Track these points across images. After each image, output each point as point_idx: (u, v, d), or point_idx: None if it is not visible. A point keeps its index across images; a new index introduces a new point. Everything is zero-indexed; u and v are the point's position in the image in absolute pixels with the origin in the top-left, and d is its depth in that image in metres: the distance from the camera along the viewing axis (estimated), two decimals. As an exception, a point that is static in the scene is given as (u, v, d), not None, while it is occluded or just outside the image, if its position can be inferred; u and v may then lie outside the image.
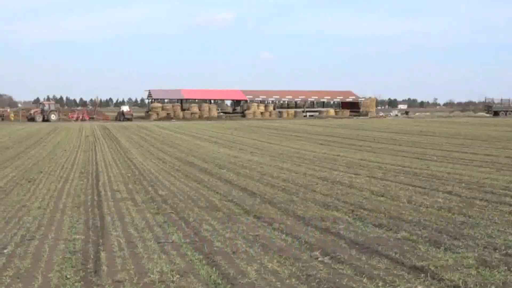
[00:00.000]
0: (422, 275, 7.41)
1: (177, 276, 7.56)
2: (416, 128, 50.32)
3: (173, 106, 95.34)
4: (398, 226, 10.28)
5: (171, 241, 9.56)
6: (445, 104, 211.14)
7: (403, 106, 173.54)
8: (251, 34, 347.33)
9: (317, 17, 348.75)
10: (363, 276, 7.40)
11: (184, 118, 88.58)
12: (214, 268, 7.88)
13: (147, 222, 11.20)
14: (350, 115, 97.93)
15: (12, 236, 10.02)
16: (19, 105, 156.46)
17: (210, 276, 7.54)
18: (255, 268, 7.85)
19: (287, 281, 7.32)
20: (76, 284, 7.35)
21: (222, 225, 10.78)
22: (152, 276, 7.56)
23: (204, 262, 8.25)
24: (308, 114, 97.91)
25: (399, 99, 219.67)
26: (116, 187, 15.89)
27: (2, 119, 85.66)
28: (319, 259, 8.27)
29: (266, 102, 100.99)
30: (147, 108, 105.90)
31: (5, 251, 9.00)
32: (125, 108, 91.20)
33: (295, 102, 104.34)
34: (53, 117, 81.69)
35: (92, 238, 9.93)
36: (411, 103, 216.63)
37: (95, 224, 11.05)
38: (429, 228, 10.07)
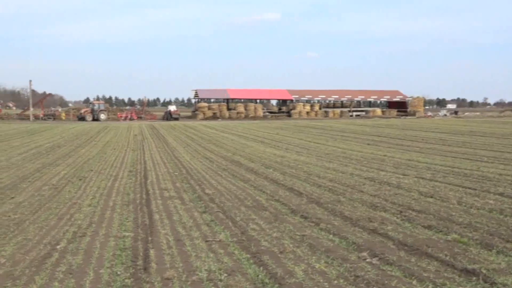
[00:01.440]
0: (474, 278, 7.26)
1: (225, 274, 7.61)
2: (465, 128, 49.28)
3: (219, 105, 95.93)
4: (448, 227, 10.09)
5: (218, 240, 9.63)
6: (495, 104, 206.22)
7: (451, 106, 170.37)
8: (297, 33, 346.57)
9: (363, 15, 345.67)
10: (413, 278, 7.30)
11: (230, 118, 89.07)
12: (261, 268, 7.90)
13: (195, 220, 11.30)
14: (397, 115, 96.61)
15: (65, 233, 10.26)
16: (70, 104, 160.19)
17: (258, 276, 7.56)
18: (303, 268, 7.83)
19: (335, 281, 7.28)
20: (126, 280, 7.48)
21: (269, 224, 10.79)
22: (200, 274, 7.64)
23: (251, 261, 8.28)
24: (354, 114, 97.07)
25: (448, 98, 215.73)
26: (164, 186, 16.09)
27: (54, 119, 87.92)
28: (367, 260, 8.19)
29: (312, 101, 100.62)
30: (193, 107, 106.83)
31: (58, 246, 9.23)
32: (172, 108, 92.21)
33: (341, 101, 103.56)
34: (102, 116, 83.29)
35: (141, 235, 10.08)
36: (460, 102, 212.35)
37: (144, 222, 11.22)
38: (480, 230, 9.85)
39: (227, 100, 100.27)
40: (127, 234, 10.17)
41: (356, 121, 73.93)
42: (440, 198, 13.16)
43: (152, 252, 8.81)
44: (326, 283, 7.20)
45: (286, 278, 7.38)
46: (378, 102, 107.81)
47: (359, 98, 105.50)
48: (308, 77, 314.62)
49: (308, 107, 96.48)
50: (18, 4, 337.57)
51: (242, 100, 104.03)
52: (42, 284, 7.30)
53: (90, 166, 21.36)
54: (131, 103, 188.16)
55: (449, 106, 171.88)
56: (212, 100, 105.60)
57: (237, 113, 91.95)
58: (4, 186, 16.01)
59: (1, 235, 10.10)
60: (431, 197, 13.36)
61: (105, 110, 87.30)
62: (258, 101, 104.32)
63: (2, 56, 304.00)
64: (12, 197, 14.16)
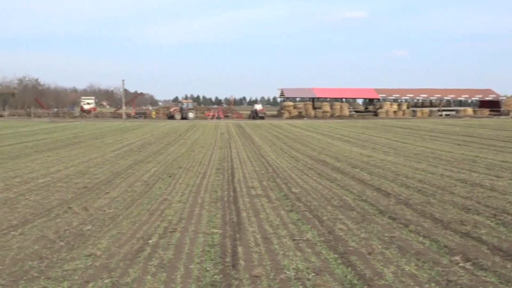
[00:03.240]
0: None
1: (313, 274, 7.60)
2: None
3: (304, 104, 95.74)
4: (547, 233, 9.60)
5: (305, 238, 9.63)
6: None
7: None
8: (383, 31, 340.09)
9: (453, 12, 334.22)
10: (509, 285, 7.01)
11: (315, 117, 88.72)
12: (349, 268, 7.83)
13: (282, 219, 11.35)
14: (489, 114, 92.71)
15: (156, 228, 10.59)
16: (160, 103, 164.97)
17: (346, 276, 7.50)
18: (392, 270, 7.69)
19: (426, 285, 7.11)
20: (215, 276, 7.62)
21: (357, 224, 10.68)
22: (288, 272, 7.66)
23: (339, 261, 8.22)
24: (443, 113, 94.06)
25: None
26: (251, 184, 16.26)
27: (145, 117, 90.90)
28: (460, 264, 7.93)
29: (400, 100, 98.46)
30: (279, 106, 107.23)
31: (150, 241, 9.54)
32: (258, 107, 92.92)
33: (430, 101, 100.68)
34: (190, 115, 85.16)
35: (229, 232, 10.24)
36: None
37: (232, 219, 11.38)
38: None
39: (313, 99, 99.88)
40: (215, 230, 10.36)
41: (445, 121, 71.69)
42: (538, 201, 12.54)
43: (240, 249, 8.93)
44: (417, 287, 7.04)
45: (375, 280, 7.28)
46: (469, 101, 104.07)
47: (449, 97, 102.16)
48: (395, 76, 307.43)
49: (395, 106, 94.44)
50: (112, 7, 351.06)
51: (328, 99, 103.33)
52: (136, 277, 7.56)
53: (179, 164, 21.90)
54: (218, 102, 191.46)
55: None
56: (297, 99, 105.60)
57: (323, 112, 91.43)
58: (99, 182, 16.71)
59: (97, 229, 10.55)
60: (528, 200, 12.76)
61: (193, 109, 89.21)
62: (344, 100, 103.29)
63: (97, 56, 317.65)
64: (107, 192, 14.76)
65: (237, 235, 9.91)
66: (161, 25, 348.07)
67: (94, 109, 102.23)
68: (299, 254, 8.62)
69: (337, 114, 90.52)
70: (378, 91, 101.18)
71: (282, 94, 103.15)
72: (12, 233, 10.20)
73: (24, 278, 7.60)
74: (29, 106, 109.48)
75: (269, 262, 8.18)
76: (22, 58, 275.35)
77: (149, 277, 7.57)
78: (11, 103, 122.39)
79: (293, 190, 15.00)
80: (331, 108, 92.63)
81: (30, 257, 8.63)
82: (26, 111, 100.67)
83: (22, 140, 36.29)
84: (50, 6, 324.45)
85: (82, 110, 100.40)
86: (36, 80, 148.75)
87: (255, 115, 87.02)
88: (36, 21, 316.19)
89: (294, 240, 9.54)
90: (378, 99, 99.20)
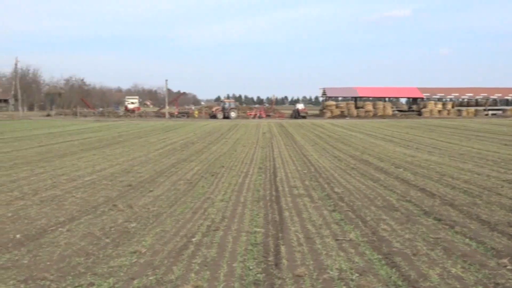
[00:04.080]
0: None
1: (356, 274, 7.54)
2: None
3: (347, 104, 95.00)
4: None
5: (348, 239, 9.55)
6: None
7: None
8: (428, 29, 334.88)
9: (496, 10, 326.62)
10: (560, 289, 6.81)
11: (358, 116, 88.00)
12: (393, 269, 7.74)
13: (324, 219, 11.29)
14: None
15: (199, 226, 10.67)
16: (202, 103, 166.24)
17: (390, 277, 7.42)
18: (438, 272, 7.57)
19: (473, 288, 6.97)
20: (258, 275, 7.63)
21: (401, 225, 10.54)
22: (331, 273, 7.62)
23: (383, 262, 8.13)
24: (490, 112, 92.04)
25: None
26: (293, 183, 16.22)
27: (188, 116, 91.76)
28: (508, 267, 7.75)
29: (444, 100, 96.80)
30: (321, 106, 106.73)
31: (193, 239, 9.62)
32: (300, 106, 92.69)
33: (476, 100, 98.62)
34: (232, 114, 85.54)
35: (271, 232, 10.23)
36: None
37: (274, 219, 11.38)
38: None
39: (355, 99, 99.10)
40: (258, 229, 10.37)
41: (491, 120, 70.13)
42: None
43: (282, 248, 8.92)
44: (463, 289, 6.91)
45: (420, 282, 7.18)
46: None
47: (495, 96, 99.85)
48: (440, 75, 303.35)
49: (440, 106, 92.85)
50: (156, 9, 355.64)
51: (371, 99, 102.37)
52: (180, 275, 7.63)
53: (222, 163, 22.02)
54: (260, 101, 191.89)
55: None
56: (339, 98, 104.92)
57: (365, 111, 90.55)
58: (144, 180, 16.94)
59: (142, 226, 10.70)
60: None
61: (235, 108, 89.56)
62: (387, 99, 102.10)
63: (141, 57, 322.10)
64: (151, 191, 14.95)
65: (280, 234, 9.90)
66: (204, 26, 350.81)
67: (138, 108, 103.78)
68: (342, 254, 8.57)
69: (380, 114, 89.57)
70: (422, 90, 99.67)
71: (324, 94, 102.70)
72: (60, 229, 10.44)
73: (72, 273, 7.76)
74: (75, 105, 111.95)
75: (312, 262, 8.15)
76: (69, 59, 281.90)
77: (192, 274, 7.64)
78: (58, 103, 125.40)
79: (336, 190, 14.91)
80: (374, 108, 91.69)
81: (77, 253, 8.82)
82: (72, 111, 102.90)
83: (68, 138, 37.10)
84: (96, 8, 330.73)
85: (126, 109, 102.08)
86: (82, 80, 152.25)
87: (297, 115, 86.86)
88: (82, 23, 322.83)
89: (337, 240, 9.48)
90: (422, 98, 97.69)
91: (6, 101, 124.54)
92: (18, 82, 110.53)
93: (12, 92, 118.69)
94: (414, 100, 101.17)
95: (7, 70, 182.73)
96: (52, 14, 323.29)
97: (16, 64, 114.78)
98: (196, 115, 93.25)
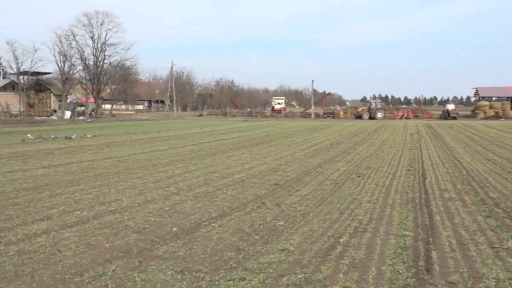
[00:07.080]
0: None
1: (515, 285, 7.09)
2: None
3: (502, 104, 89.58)
4: None
5: (506, 247, 9.00)
6: None
7: None
8: None
9: None
10: None
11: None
12: (557, 282, 7.17)
13: (478, 224, 10.74)
14: None
15: (346, 227, 10.62)
16: (347, 103, 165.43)
17: (554, 290, 6.88)
18: None
19: None
20: (408, 280, 7.43)
21: None
22: (487, 282, 7.23)
23: (544, 274, 7.56)
24: None
25: None
26: (444, 186, 15.60)
27: (333, 117, 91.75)
28: None
29: None
30: (473, 106, 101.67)
31: (340, 240, 9.59)
32: (450, 107, 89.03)
33: None
34: (378, 115, 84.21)
35: (421, 235, 9.92)
36: None
37: (424, 222, 11.02)
38: None
39: (511, 99, 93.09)
40: (407, 233, 10.11)
41: None
42: None
43: (434, 253, 8.61)
44: None
45: None
46: None
47: None
48: None
49: None
50: (300, 12, 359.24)
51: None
52: (328, 275, 7.65)
53: (368, 164, 21.73)
54: (407, 101, 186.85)
55: None
56: (494, 98, 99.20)
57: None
58: (290, 179, 17.19)
59: (289, 225, 10.86)
60: None
61: (381, 109, 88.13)
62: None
63: (287, 58, 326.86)
64: (298, 190, 15.13)
65: (431, 239, 9.56)
66: (348, 26, 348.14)
67: (284, 108, 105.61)
68: (499, 263, 8.09)
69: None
70: None
71: (476, 93, 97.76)
72: (212, 224, 10.89)
73: (224, 267, 8.07)
74: (225, 106, 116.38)
75: (466, 269, 7.78)
76: (220, 61, 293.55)
77: (341, 275, 7.62)
78: (209, 103, 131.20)
79: (491, 194, 14.11)
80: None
81: (228, 248, 9.15)
82: (222, 111, 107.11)
83: (219, 137, 38.64)
84: (244, 13, 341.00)
85: (273, 109, 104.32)
86: (232, 81, 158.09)
87: (446, 115, 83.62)
88: (231, 27, 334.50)
89: (493, 247, 8.97)
90: None
91: (162, 101, 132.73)
92: (174, 84, 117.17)
93: (168, 94, 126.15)
94: None
95: (164, 73, 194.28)
96: (203, 21, 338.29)
97: (172, 67, 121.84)
98: (342, 116, 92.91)
